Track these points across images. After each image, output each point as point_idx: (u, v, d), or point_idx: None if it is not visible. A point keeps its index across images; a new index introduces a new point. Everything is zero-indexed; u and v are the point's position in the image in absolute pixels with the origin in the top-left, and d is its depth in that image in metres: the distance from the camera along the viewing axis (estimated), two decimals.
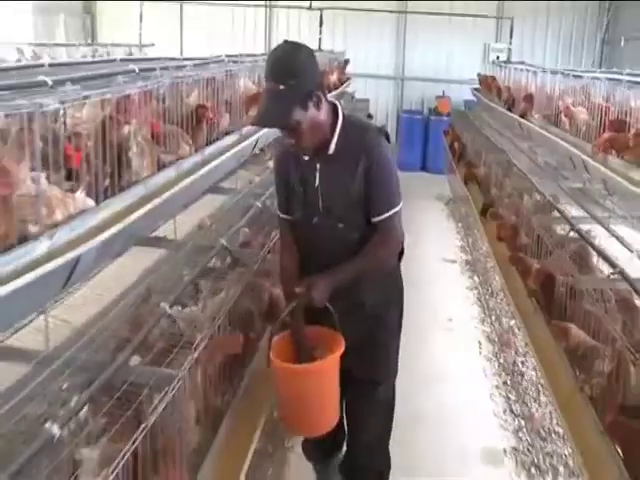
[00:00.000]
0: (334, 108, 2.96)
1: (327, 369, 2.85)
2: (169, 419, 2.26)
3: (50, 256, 2.34)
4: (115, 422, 2.19)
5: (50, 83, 2.61)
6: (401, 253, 3.23)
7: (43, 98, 2.40)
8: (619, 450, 2.80)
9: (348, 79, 12.10)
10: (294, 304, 2.88)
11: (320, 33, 14.77)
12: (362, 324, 3.15)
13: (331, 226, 2.98)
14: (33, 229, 2.36)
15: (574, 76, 5.83)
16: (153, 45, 13.67)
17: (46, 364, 2.48)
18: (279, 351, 2.88)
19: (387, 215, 2.94)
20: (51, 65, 3.58)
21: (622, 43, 13.60)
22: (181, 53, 14.36)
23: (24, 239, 2.30)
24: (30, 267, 2.24)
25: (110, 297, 3.29)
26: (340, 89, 10.79)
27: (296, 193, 3.05)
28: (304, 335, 2.94)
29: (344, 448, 3.73)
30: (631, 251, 3.98)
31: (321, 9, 14.94)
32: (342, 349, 2.84)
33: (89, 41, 14.98)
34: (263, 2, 15.72)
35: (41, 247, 2.33)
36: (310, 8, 15.04)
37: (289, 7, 15.54)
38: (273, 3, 15.74)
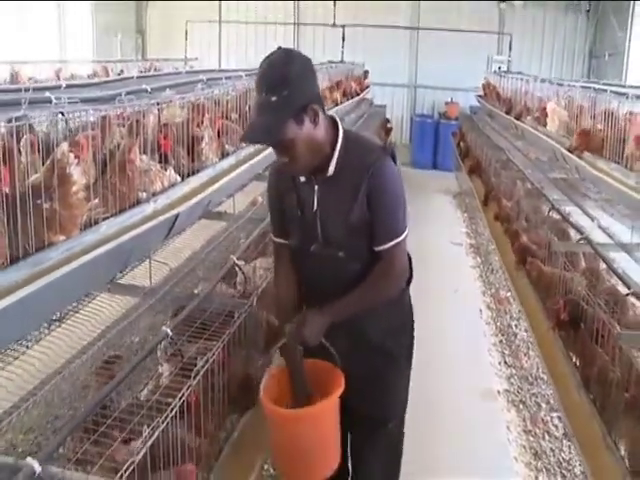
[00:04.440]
0: (334, 124, 2.44)
1: (323, 412, 2.36)
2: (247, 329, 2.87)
3: (155, 214, 2.96)
4: (206, 331, 2.80)
5: (149, 90, 3.22)
6: (410, 279, 2.67)
7: (148, 100, 3.02)
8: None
9: (367, 87, 12.68)
10: (282, 342, 2.41)
11: (342, 47, 15.33)
12: (366, 359, 2.60)
13: (330, 255, 2.46)
14: (141, 195, 2.98)
15: (558, 84, 6.36)
16: (197, 59, 14.32)
17: (151, 296, 3.10)
18: (272, 390, 2.39)
19: (390, 245, 2.42)
20: (138, 77, 4.17)
21: (606, 57, 14.13)
22: (219, 66, 14.94)
23: (135, 203, 2.92)
24: (141, 222, 2.86)
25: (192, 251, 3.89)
26: (361, 96, 11.39)
27: (292, 217, 2.52)
28: (301, 375, 2.43)
29: None
30: (592, 220, 4.51)
31: (343, 26, 15.53)
32: (341, 389, 2.34)
33: (139, 57, 15.70)
34: (292, 21, 16.34)
35: (149, 208, 2.95)
36: (334, 25, 15.64)
37: (315, 24, 16.15)
38: (301, 22, 16.36)
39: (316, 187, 2.44)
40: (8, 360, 3.32)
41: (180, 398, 2.13)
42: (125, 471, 1.76)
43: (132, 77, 4.19)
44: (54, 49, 13.05)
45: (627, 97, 4.48)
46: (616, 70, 13.49)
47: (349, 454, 2.78)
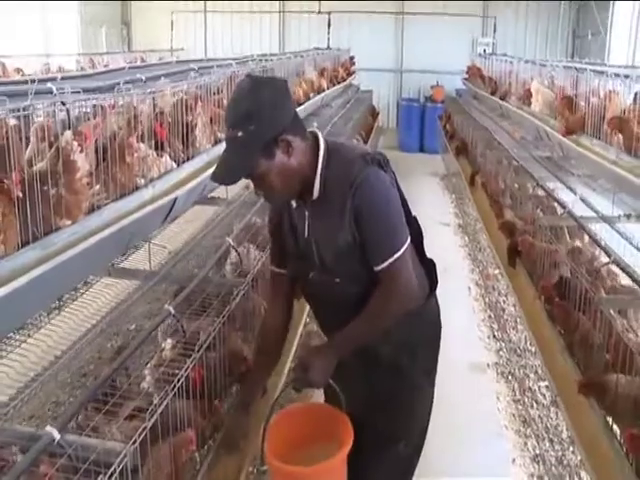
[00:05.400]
0: (315, 142, 2.24)
1: (332, 470, 2.19)
2: (243, 306, 2.99)
3: (153, 199, 3.07)
4: (204, 311, 2.92)
5: (144, 79, 3.31)
6: (435, 282, 2.46)
7: (143, 90, 3.12)
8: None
9: (354, 73, 12.75)
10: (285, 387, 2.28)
11: (328, 33, 15.42)
12: (376, 378, 2.39)
13: (327, 282, 2.30)
14: (140, 181, 3.09)
15: (541, 65, 6.48)
16: (183, 49, 14.35)
17: (151, 278, 3.21)
18: (275, 439, 2.20)
19: (388, 263, 2.19)
20: (130, 67, 4.26)
21: (589, 37, 14.28)
22: (205, 55, 14.98)
23: (134, 188, 3.02)
24: (141, 206, 2.97)
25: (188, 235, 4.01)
26: (347, 82, 11.48)
27: (288, 244, 2.38)
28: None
29: None
30: (575, 194, 4.65)
31: (329, 12, 15.58)
32: (350, 443, 2.16)
33: (125, 48, 15.71)
34: (277, 9, 16.38)
35: (147, 193, 3.05)
36: (319, 12, 15.70)
37: (300, 12, 16.20)
38: (287, 9, 16.40)
39: (306, 212, 2.27)
40: (10, 349, 3.44)
41: (186, 370, 2.24)
42: (138, 436, 1.88)
43: (124, 68, 4.27)
44: (39, 42, 13.04)
45: (606, 75, 4.59)
46: (599, 49, 13.64)
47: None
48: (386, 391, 2.38)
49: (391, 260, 2.18)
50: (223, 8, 16.39)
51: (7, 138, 2.07)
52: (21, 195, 2.10)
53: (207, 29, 16.73)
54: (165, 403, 2.09)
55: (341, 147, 2.29)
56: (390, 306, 2.24)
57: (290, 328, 2.55)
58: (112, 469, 1.73)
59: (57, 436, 1.85)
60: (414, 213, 2.46)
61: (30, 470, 1.79)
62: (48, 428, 1.86)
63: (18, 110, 2.09)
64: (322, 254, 2.27)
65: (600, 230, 4.40)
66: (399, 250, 2.19)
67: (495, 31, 15.29)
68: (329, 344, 2.29)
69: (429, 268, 2.43)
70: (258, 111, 2.03)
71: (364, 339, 2.26)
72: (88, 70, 5.94)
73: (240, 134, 2.03)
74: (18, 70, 7.84)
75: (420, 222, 2.47)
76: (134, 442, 1.87)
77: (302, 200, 2.26)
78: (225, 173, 2.12)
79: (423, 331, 2.44)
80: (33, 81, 2.35)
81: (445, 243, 8.84)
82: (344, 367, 2.24)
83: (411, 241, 2.27)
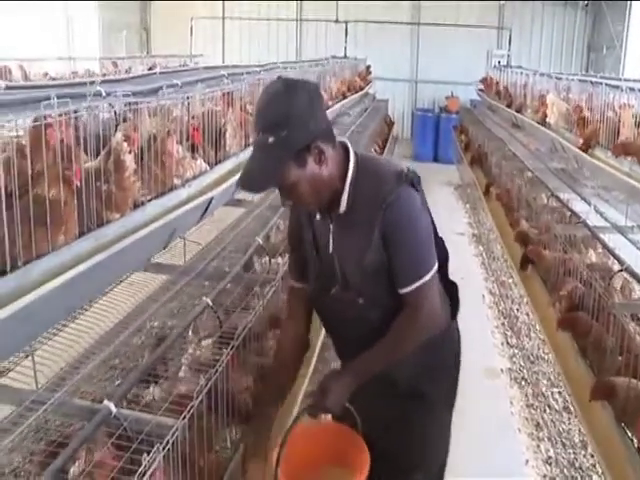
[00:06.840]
0: (345, 153, 2.14)
1: None
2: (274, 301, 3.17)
3: (189, 199, 3.25)
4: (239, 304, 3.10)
5: (180, 84, 3.50)
6: (456, 307, 2.39)
7: (180, 94, 3.31)
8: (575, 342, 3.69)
9: (370, 82, 12.97)
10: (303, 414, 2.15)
11: (345, 42, 15.66)
12: (393, 404, 2.30)
13: (350, 300, 2.20)
14: (176, 181, 3.27)
15: (556, 78, 6.66)
16: (202, 55, 14.57)
17: (184, 274, 3.40)
18: (289, 454, 2.06)
19: (414, 287, 2.11)
20: (161, 73, 4.45)
21: (604, 51, 14.48)
22: (223, 62, 15.23)
23: (172, 188, 3.20)
24: (177, 206, 3.15)
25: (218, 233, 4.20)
26: (363, 91, 11.70)
27: (310, 257, 2.28)
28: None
29: None
30: (589, 205, 4.81)
31: (346, 22, 15.84)
32: (366, 474, 2.07)
33: (145, 53, 15.98)
34: (294, 17, 16.64)
35: (183, 193, 3.23)
36: (336, 21, 15.95)
37: (317, 20, 16.46)
38: (303, 18, 16.66)
39: (331, 226, 2.18)
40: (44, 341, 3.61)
41: (227, 355, 2.42)
42: (188, 412, 2.05)
43: (155, 73, 4.46)
44: (61, 46, 13.31)
45: (621, 90, 4.76)
46: (614, 63, 13.83)
47: None
48: (403, 417, 2.30)
49: (417, 285, 2.11)
50: (241, 14, 16.67)
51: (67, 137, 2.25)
52: (79, 185, 2.28)
53: (225, 35, 17.01)
54: (209, 385, 2.26)
55: (373, 161, 2.24)
56: (413, 332, 2.17)
57: (309, 344, 2.47)
58: (166, 440, 1.90)
59: (114, 410, 2.02)
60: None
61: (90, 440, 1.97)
62: (105, 402, 2.03)
63: (77, 111, 2.28)
64: (345, 271, 2.18)
65: (614, 241, 4.55)
66: (426, 275, 2.12)
67: (510, 43, 15.50)
68: (348, 369, 2.18)
69: (451, 292, 2.36)
70: (292, 116, 1.93)
71: (384, 365, 2.16)
72: (121, 74, 6.14)
73: (271, 140, 1.93)
74: (45, 74, 8.07)
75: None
76: (184, 417, 2.04)
77: (327, 213, 2.17)
78: (254, 181, 2.04)
79: (443, 357, 2.37)
80: (92, 83, 2.54)
81: (460, 252, 9.02)
82: (359, 390, 2.14)
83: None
